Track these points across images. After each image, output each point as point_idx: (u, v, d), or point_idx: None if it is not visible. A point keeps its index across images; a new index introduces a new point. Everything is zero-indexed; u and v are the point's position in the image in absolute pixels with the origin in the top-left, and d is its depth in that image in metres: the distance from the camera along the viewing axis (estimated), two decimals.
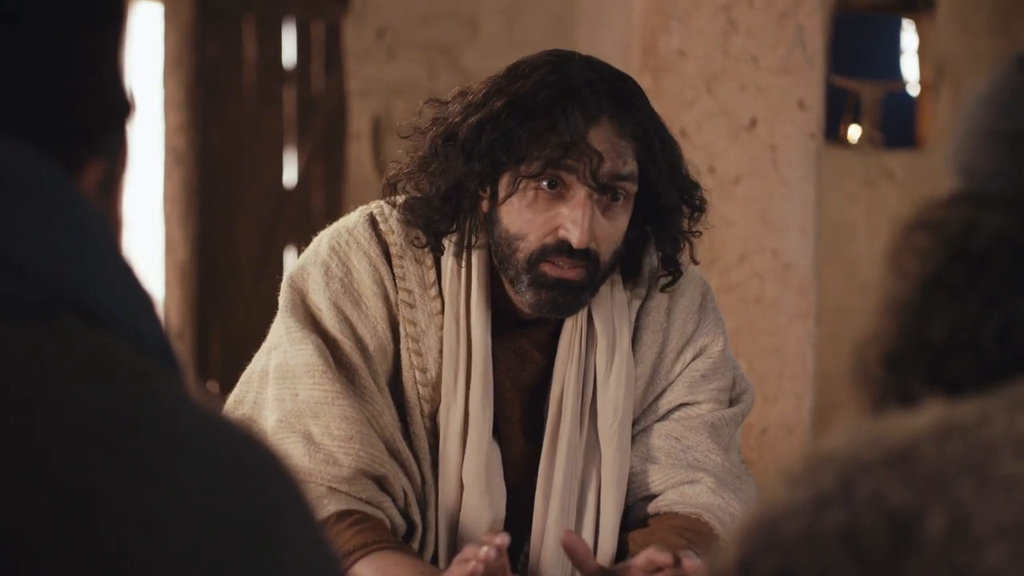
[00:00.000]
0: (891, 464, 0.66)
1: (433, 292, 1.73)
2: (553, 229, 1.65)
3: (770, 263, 3.07)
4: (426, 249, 1.73)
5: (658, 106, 1.74)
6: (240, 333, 5.34)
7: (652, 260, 1.79)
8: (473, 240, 1.71)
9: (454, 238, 1.72)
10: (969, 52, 5.38)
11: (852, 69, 5.54)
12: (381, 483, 1.67)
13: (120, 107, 0.75)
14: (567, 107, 1.61)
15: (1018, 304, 0.72)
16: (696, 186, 1.73)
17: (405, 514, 1.70)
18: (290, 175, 5.73)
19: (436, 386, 1.72)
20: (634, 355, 1.78)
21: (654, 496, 1.75)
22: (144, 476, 0.63)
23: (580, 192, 1.63)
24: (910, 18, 5.65)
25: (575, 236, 1.63)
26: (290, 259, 5.68)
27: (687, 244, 1.76)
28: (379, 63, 5.21)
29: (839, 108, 5.43)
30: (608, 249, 1.67)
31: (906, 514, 0.64)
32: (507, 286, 1.71)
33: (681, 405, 1.79)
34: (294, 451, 1.65)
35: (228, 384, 1.86)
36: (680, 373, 1.79)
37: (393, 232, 1.74)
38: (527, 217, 1.65)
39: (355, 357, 1.70)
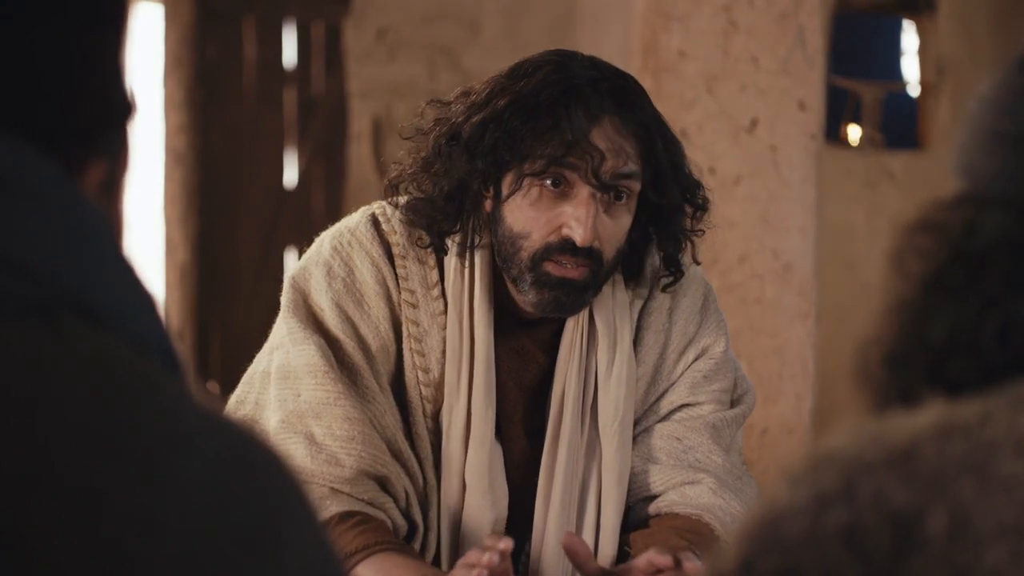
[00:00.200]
0: (892, 464, 0.66)
1: (436, 292, 1.73)
2: (557, 228, 1.65)
3: (770, 264, 3.08)
4: (429, 249, 1.73)
5: (659, 107, 1.74)
6: (240, 334, 5.34)
7: (654, 260, 1.79)
8: (476, 240, 1.72)
9: (457, 238, 1.72)
10: (969, 52, 5.38)
11: (852, 70, 5.54)
12: (383, 484, 1.67)
13: (121, 108, 0.75)
14: (570, 106, 1.62)
15: (1018, 304, 0.73)
16: (698, 185, 1.74)
17: (407, 515, 1.70)
18: (290, 176, 5.73)
19: (438, 386, 1.72)
20: (636, 355, 1.78)
21: (655, 496, 1.75)
22: (144, 476, 0.63)
23: (584, 191, 1.63)
24: (910, 18, 5.65)
25: (579, 234, 1.63)
26: (290, 260, 5.68)
27: (689, 244, 1.76)
28: (380, 64, 5.21)
29: (839, 109, 5.43)
30: (611, 248, 1.67)
31: (907, 514, 0.64)
32: (510, 286, 1.71)
33: (683, 406, 1.79)
34: (296, 452, 1.65)
35: (228, 385, 1.86)
36: (682, 374, 1.80)
37: (395, 232, 1.74)
38: (531, 216, 1.65)
39: (357, 357, 1.70)
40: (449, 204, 1.69)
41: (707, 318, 1.82)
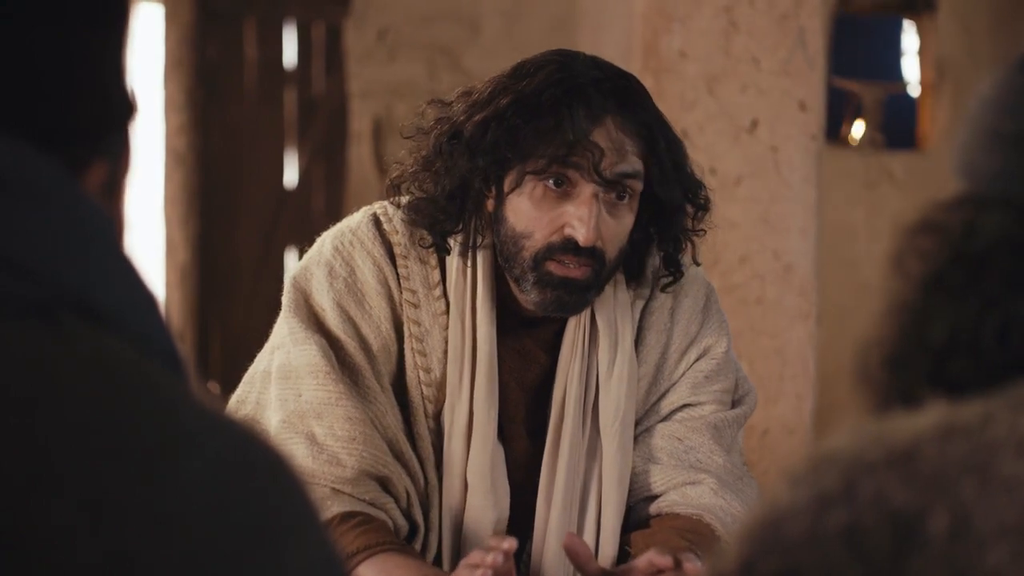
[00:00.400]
0: (893, 464, 0.66)
1: (437, 292, 1.73)
2: (559, 227, 1.65)
3: (771, 264, 3.08)
4: (431, 249, 1.73)
5: (659, 107, 1.74)
6: (240, 334, 5.34)
7: (655, 260, 1.79)
8: (479, 240, 1.72)
9: (459, 238, 1.72)
10: (970, 53, 5.38)
11: (853, 70, 5.54)
12: (384, 484, 1.67)
13: (122, 108, 0.75)
14: (572, 106, 1.62)
15: (1018, 304, 0.73)
16: (700, 185, 1.74)
17: (408, 515, 1.70)
18: (291, 176, 5.73)
19: (440, 386, 1.72)
20: (637, 355, 1.78)
21: (656, 497, 1.75)
22: (146, 476, 0.63)
23: (586, 190, 1.63)
24: (911, 19, 5.65)
25: (581, 234, 1.63)
26: (290, 260, 5.68)
27: (689, 245, 1.76)
28: (380, 64, 5.21)
29: (840, 109, 5.43)
30: (614, 248, 1.67)
31: (908, 514, 0.64)
32: (512, 285, 1.71)
33: (684, 406, 1.79)
34: (297, 452, 1.65)
35: (229, 385, 1.86)
36: (683, 374, 1.79)
37: (397, 232, 1.74)
38: (533, 216, 1.65)
39: (359, 357, 1.70)
40: (451, 203, 1.69)
41: (709, 318, 1.82)
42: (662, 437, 1.78)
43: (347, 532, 1.61)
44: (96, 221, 0.70)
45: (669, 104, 2.97)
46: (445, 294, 1.74)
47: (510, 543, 1.53)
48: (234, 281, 5.68)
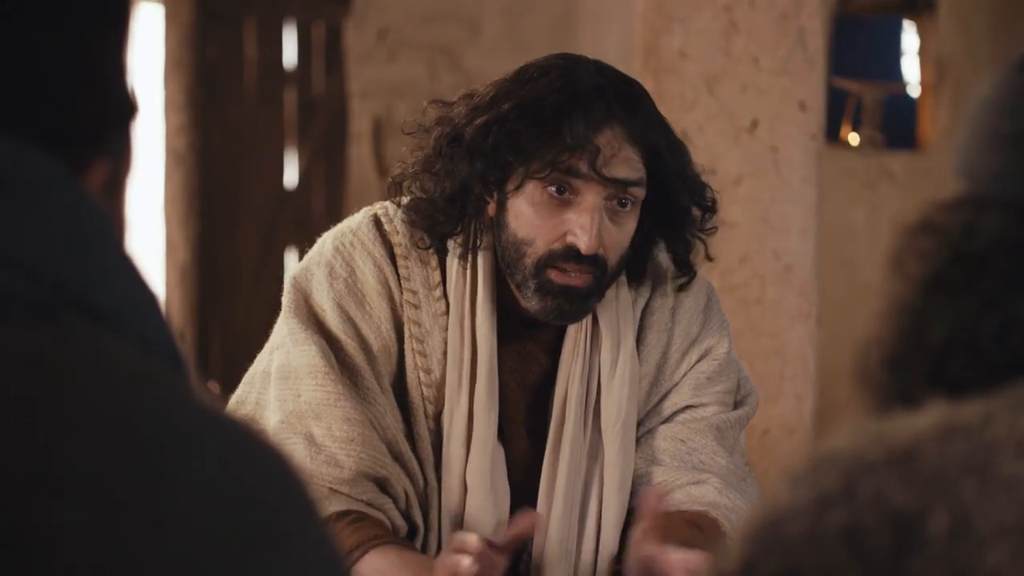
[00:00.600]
0: (893, 464, 0.66)
1: (438, 293, 1.73)
2: (561, 235, 1.65)
3: (771, 264, 3.08)
4: (430, 250, 1.73)
5: (659, 107, 1.74)
6: (240, 334, 5.34)
7: (656, 259, 1.79)
8: (478, 242, 1.71)
9: (459, 240, 1.72)
10: (970, 53, 5.38)
11: (853, 70, 5.54)
12: (382, 485, 1.67)
13: (123, 108, 0.75)
14: (574, 113, 1.61)
15: (1016, 304, 0.73)
16: (705, 187, 1.74)
17: (407, 516, 1.70)
18: (291, 176, 5.73)
19: (440, 387, 1.72)
20: (638, 355, 1.78)
21: None
22: (147, 476, 0.63)
23: (588, 198, 1.63)
24: (911, 19, 5.65)
25: (583, 242, 1.63)
26: (290, 260, 5.68)
27: (701, 244, 1.77)
28: (380, 64, 5.21)
29: (840, 109, 5.43)
30: (616, 255, 1.67)
31: (908, 514, 0.65)
32: (514, 290, 1.71)
33: (686, 407, 1.79)
34: (295, 452, 1.65)
35: (229, 385, 1.87)
36: (685, 375, 1.79)
37: (398, 232, 1.74)
38: (535, 222, 1.65)
39: (358, 358, 1.70)
40: (450, 206, 1.69)
41: (710, 318, 1.81)
42: (665, 439, 1.77)
43: (342, 530, 1.61)
44: (97, 221, 0.70)
45: (669, 104, 2.97)
46: (445, 295, 1.74)
47: (477, 546, 1.51)
48: (234, 281, 5.68)
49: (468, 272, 1.73)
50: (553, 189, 1.64)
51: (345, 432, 1.65)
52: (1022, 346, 0.72)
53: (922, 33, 5.57)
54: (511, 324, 1.74)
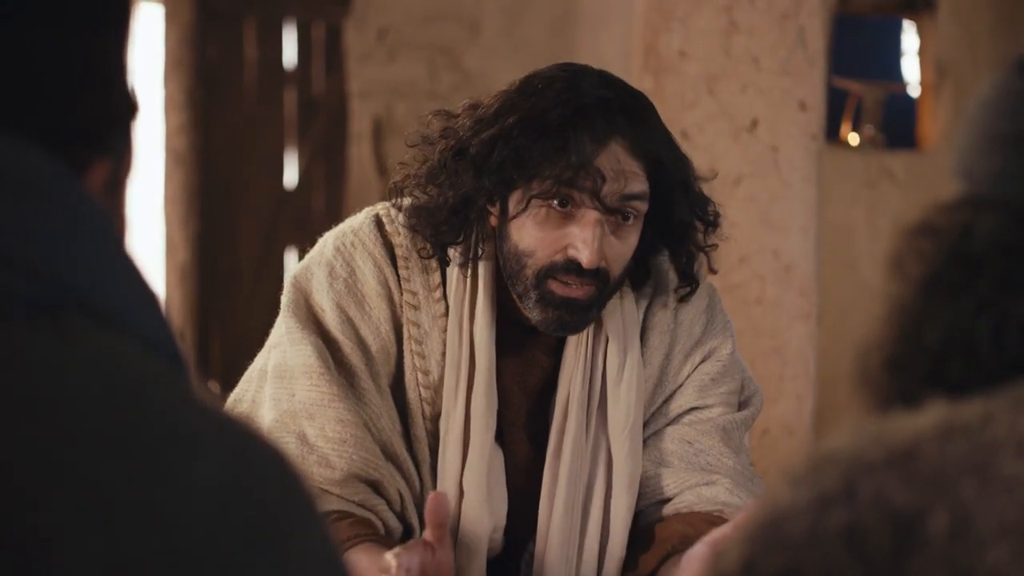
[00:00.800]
0: (893, 464, 0.66)
1: (438, 295, 1.73)
2: (563, 248, 1.64)
3: (771, 264, 3.08)
4: (432, 258, 1.73)
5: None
6: (240, 334, 5.34)
7: (659, 261, 1.79)
8: (480, 252, 1.71)
9: (460, 249, 1.72)
10: (970, 53, 5.38)
11: (853, 70, 5.54)
12: (375, 487, 1.67)
13: (124, 107, 0.75)
14: (579, 127, 1.61)
15: (1012, 304, 0.73)
16: (708, 201, 1.74)
17: (402, 518, 1.69)
18: (291, 176, 5.73)
19: (438, 388, 1.72)
20: (642, 356, 1.78)
21: (667, 500, 1.75)
22: (148, 475, 0.63)
23: (590, 212, 1.63)
24: (911, 19, 5.65)
25: (585, 256, 1.63)
26: (290, 260, 5.68)
27: (704, 256, 1.76)
28: (380, 64, 5.21)
29: (840, 109, 5.43)
30: (618, 267, 1.67)
31: (908, 514, 0.65)
32: (515, 299, 1.71)
33: (692, 409, 1.79)
34: (288, 452, 1.64)
35: (229, 384, 1.87)
36: (689, 376, 1.79)
37: (399, 234, 1.74)
38: (537, 236, 1.65)
39: (355, 359, 1.70)
40: (453, 217, 1.68)
41: (713, 319, 1.81)
42: (672, 440, 1.77)
43: None
44: (98, 221, 0.70)
45: (669, 104, 2.97)
46: (445, 296, 1.74)
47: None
48: (234, 281, 5.68)
49: (469, 279, 1.72)
50: (556, 203, 1.64)
51: (338, 433, 1.65)
52: (1018, 346, 0.72)
53: (922, 33, 5.57)
54: (512, 329, 1.74)
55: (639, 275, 1.77)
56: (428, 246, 1.72)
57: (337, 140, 5.50)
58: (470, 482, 1.69)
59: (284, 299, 1.75)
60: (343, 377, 1.69)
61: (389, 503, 1.67)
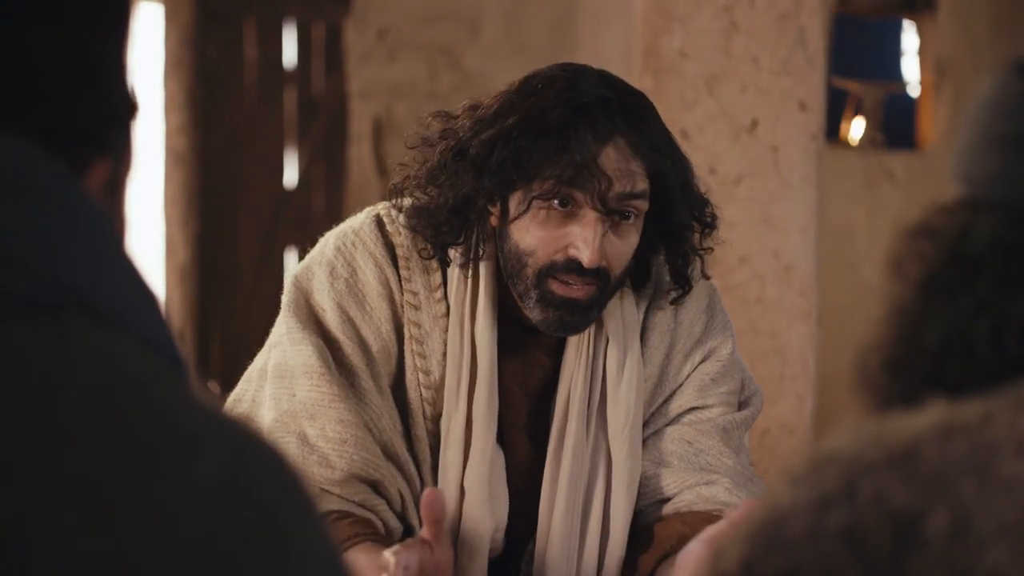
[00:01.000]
0: (893, 464, 0.66)
1: (439, 295, 1.73)
2: (563, 247, 1.64)
3: (771, 264, 3.08)
4: (432, 259, 1.73)
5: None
6: (240, 334, 5.34)
7: (659, 262, 1.79)
8: (480, 252, 1.71)
9: (460, 249, 1.72)
10: (970, 53, 5.38)
11: (853, 70, 5.54)
12: (376, 487, 1.67)
13: (124, 107, 0.75)
14: (579, 126, 1.61)
15: (1010, 305, 0.73)
16: (706, 203, 1.74)
17: (403, 518, 1.69)
18: (291, 176, 5.74)
19: (439, 389, 1.72)
20: (641, 356, 1.78)
21: (667, 499, 1.75)
22: (147, 476, 0.63)
23: (591, 211, 1.63)
24: (911, 19, 5.66)
25: (585, 256, 1.62)
26: (291, 260, 5.68)
27: (698, 259, 1.76)
28: (380, 64, 5.21)
29: (840, 109, 5.43)
30: (619, 266, 1.67)
31: (908, 514, 0.65)
32: (516, 299, 1.71)
33: (692, 409, 1.78)
34: (288, 452, 1.64)
35: (229, 385, 1.87)
36: (688, 376, 1.79)
37: (400, 234, 1.74)
38: (538, 236, 1.65)
39: (356, 358, 1.70)
40: (454, 217, 1.68)
41: (713, 319, 1.81)
42: (671, 440, 1.77)
43: None
44: (98, 221, 0.70)
45: (669, 104, 2.97)
46: (446, 297, 1.74)
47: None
48: (234, 281, 5.68)
49: (470, 279, 1.72)
50: (556, 202, 1.64)
51: (338, 433, 1.65)
52: (1017, 347, 0.72)
53: (922, 33, 5.57)
54: (513, 329, 1.74)
55: (640, 275, 1.77)
56: (429, 247, 1.72)
57: (337, 140, 5.50)
58: (472, 482, 1.69)
59: (284, 299, 1.75)
60: (344, 377, 1.69)
61: (389, 503, 1.67)
